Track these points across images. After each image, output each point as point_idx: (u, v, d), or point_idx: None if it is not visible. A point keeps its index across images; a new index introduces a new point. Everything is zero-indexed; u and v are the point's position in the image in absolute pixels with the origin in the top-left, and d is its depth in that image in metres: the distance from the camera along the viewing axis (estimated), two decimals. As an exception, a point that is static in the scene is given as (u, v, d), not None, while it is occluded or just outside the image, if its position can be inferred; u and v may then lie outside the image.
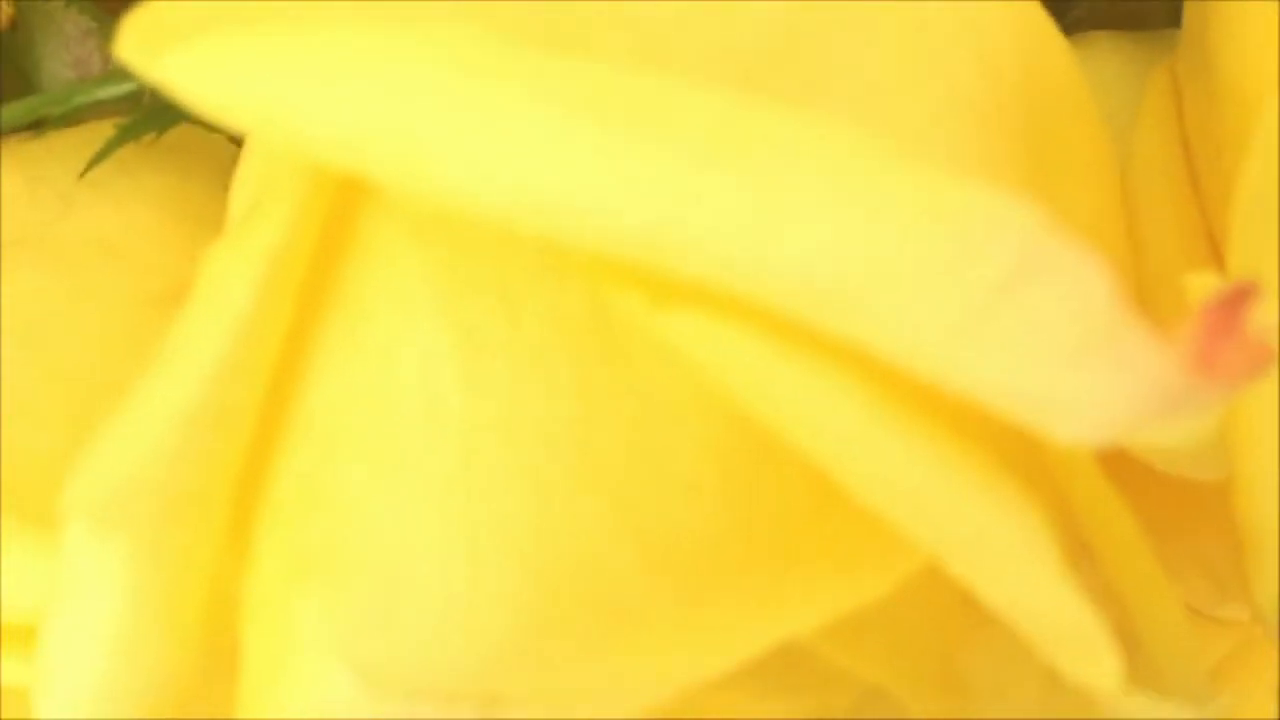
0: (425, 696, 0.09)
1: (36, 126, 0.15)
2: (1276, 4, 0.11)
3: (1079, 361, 0.07)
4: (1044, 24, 0.11)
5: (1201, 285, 0.08)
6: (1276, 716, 0.20)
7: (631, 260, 0.08)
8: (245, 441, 0.10)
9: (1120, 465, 0.11)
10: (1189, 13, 0.14)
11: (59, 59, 0.15)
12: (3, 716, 0.12)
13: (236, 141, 0.15)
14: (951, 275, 0.07)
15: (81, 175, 0.14)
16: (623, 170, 0.08)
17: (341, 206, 0.10)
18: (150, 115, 0.14)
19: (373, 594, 0.10)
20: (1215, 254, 0.13)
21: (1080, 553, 0.10)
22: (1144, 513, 0.12)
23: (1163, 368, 0.07)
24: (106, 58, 0.15)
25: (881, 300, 0.07)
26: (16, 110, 0.14)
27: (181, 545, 0.10)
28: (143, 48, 0.08)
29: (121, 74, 0.14)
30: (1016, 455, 0.09)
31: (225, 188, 0.13)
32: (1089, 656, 0.09)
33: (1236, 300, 0.07)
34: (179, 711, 0.11)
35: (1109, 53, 0.17)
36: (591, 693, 0.09)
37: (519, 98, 0.08)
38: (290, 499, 0.10)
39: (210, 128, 0.16)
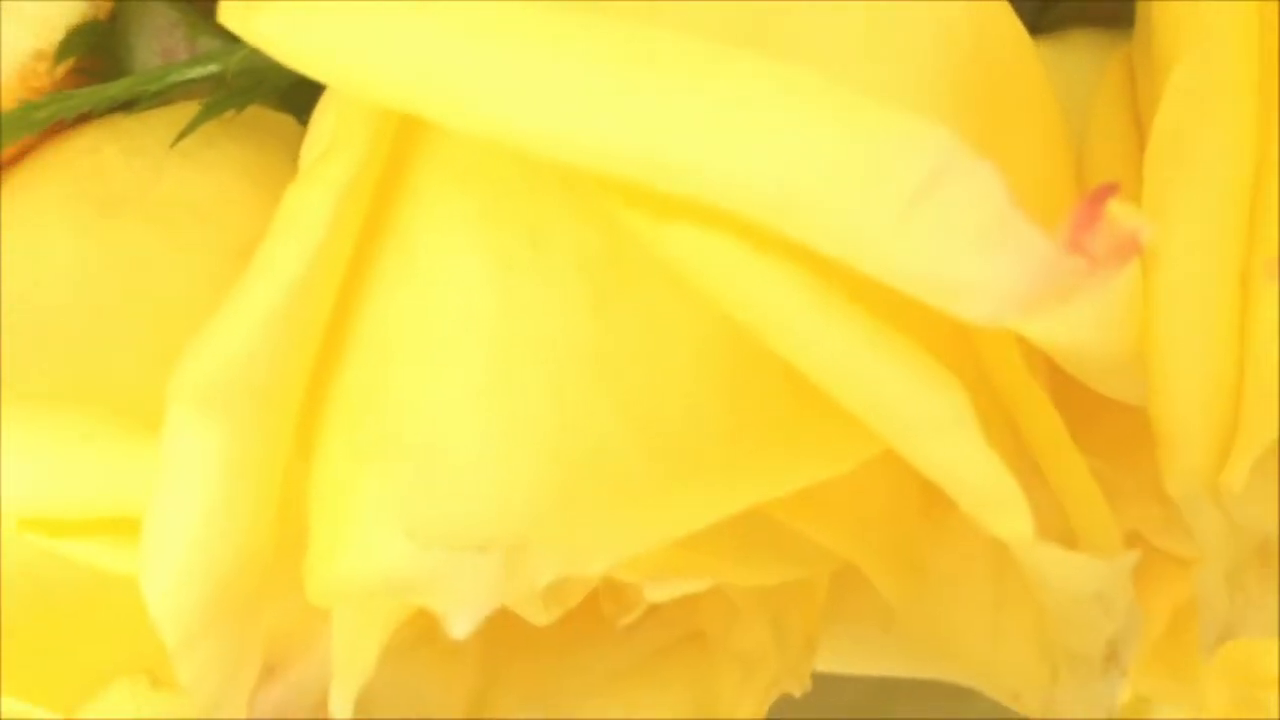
0: (463, 548, 0.11)
1: (130, 105, 0.17)
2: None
3: (981, 250, 0.09)
4: (1003, 14, 0.13)
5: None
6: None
7: (636, 183, 0.10)
8: (315, 348, 0.12)
9: (1074, 397, 0.13)
10: (1139, 7, 0.16)
11: (149, 48, 0.18)
12: (110, 603, 0.14)
13: (301, 120, 0.17)
14: (879, 182, 0.09)
15: (172, 145, 0.16)
16: (624, 105, 0.10)
17: (398, 153, 0.12)
18: (231, 95, 0.17)
19: (421, 472, 0.12)
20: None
21: (1007, 434, 0.11)
22: (1098, 441, 0.14)
23: (1046, 252, 0.09)
24: (191, 46, 0.17)
25: (824, 205, 0.09)
26: (117, 88, 0.16)
27: (263, 433, 0.12)
28: (241, 13, 0.11)
29: (206, 58, 0.17)
30: (949, 345, 0.11)
31: (292, 159, 0.15)
32: (1004, 511, 0.10)
33: (1100, 196, 0.09)
34: (257, 580, 0.13)
35: (1084, 47, 0.19)
36: (596, 545, 0.11)
37: (545, 48, 0.10)
38: (351, 397, 0.12)
39: (279, 107, 0.18)
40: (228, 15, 0.11)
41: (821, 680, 0.15)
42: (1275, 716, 0.24)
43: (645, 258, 0.12)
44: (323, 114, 0.13)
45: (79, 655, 0.14)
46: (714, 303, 0.11)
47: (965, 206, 0.09)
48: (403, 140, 0.12)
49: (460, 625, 0.10)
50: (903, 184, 0.09)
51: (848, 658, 0.15)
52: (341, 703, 0.12)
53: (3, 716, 0.14)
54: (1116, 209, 0.09)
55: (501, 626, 0.14)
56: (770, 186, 0.10)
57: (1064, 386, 0.13)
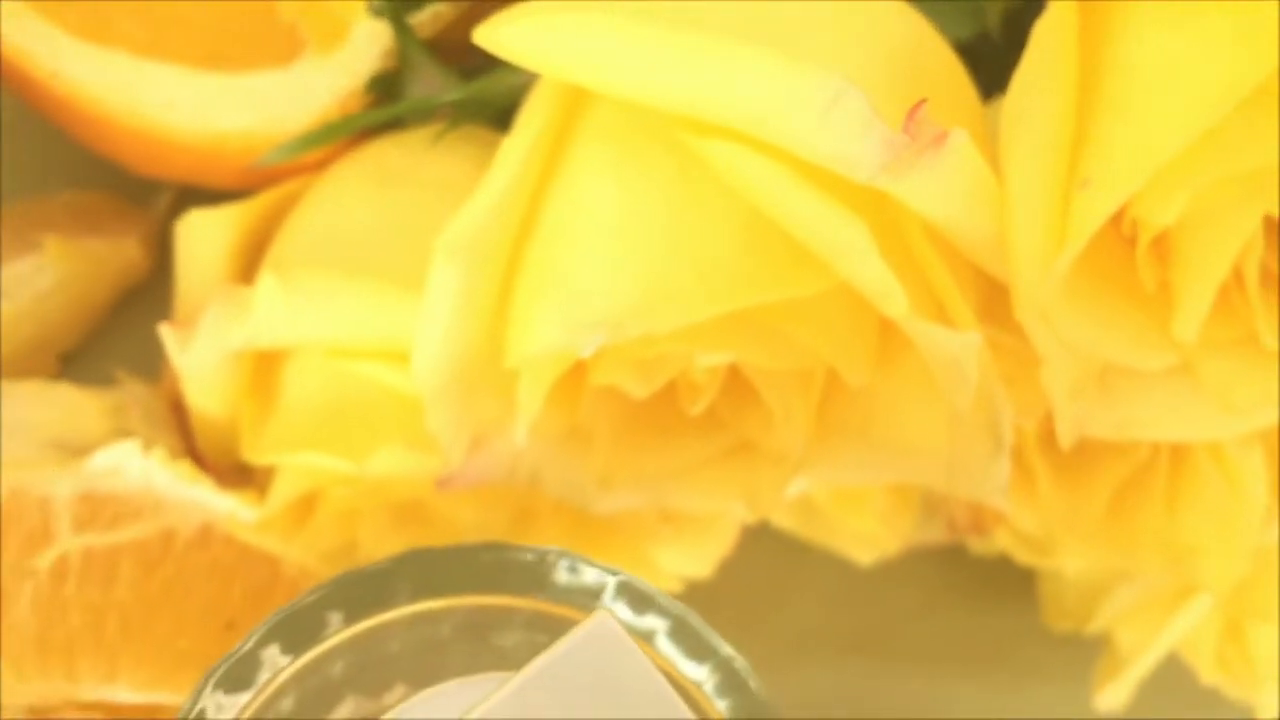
0: (603, 330, 0.19)
1: (400, 122, 0.27)
2: None
3: (859, 137, 0.17)
4: (921, 20, 0.21)
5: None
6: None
7: (692, 118, 0.19)
8: (516, 223, 0.21)
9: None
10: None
11: (415, 88, 0.27)
12: (382, 401, 0.23)
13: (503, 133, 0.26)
14: (809, 107, 0.17)
15: (433, 142, 0.25)
16: (688, 77, 0.18)
17: (570, 110, 0.21)
18: (464, 115, 0.26)
19: (569, 290, 0.20)
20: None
21: (906, 262, 0.19)
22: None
23: (891, 136, 0.17)
24: (439, 86, 0.27)
25: (785, 122, 0.18)
26: (398, 109, 0.26)
27: (484, 273, 0.21)
28: (488, 33, 0.20)
29: (449, 92, 0.26)
30: (878, 215, 0.19)
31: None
32: (890, 299, 0.18)
33: (917, 107, 0.17)
34: (475, 372, 0.21)
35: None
36: (667, 318, 0.19)
37: (650, 48, 0.19)
38: (535, 252, 0.21)
39: (490, 125, 0.27)
40: (480, 36, 0.20)
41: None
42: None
43: (698, 166, 0.20)
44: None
45: (365, 433, 0.23)
46: (737, 189, 0.19)
47: (851, 116, 0.17)
48: (573, 103, 0.21)
49: (588, 348, 0.19)
50: (820, 106, 0.17)
51: (841, 468, 0.23)
52: (521, 429, 0.21)
53: (321, 470, 0.23)
54: (926, 112, 0.17)
55: (621, 428, 0.23)
56: (761, 116, 0.18)
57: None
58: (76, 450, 0.25)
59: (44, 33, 0.26)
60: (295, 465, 0.24)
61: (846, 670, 0.32)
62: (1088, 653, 0.31)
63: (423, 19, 0.27)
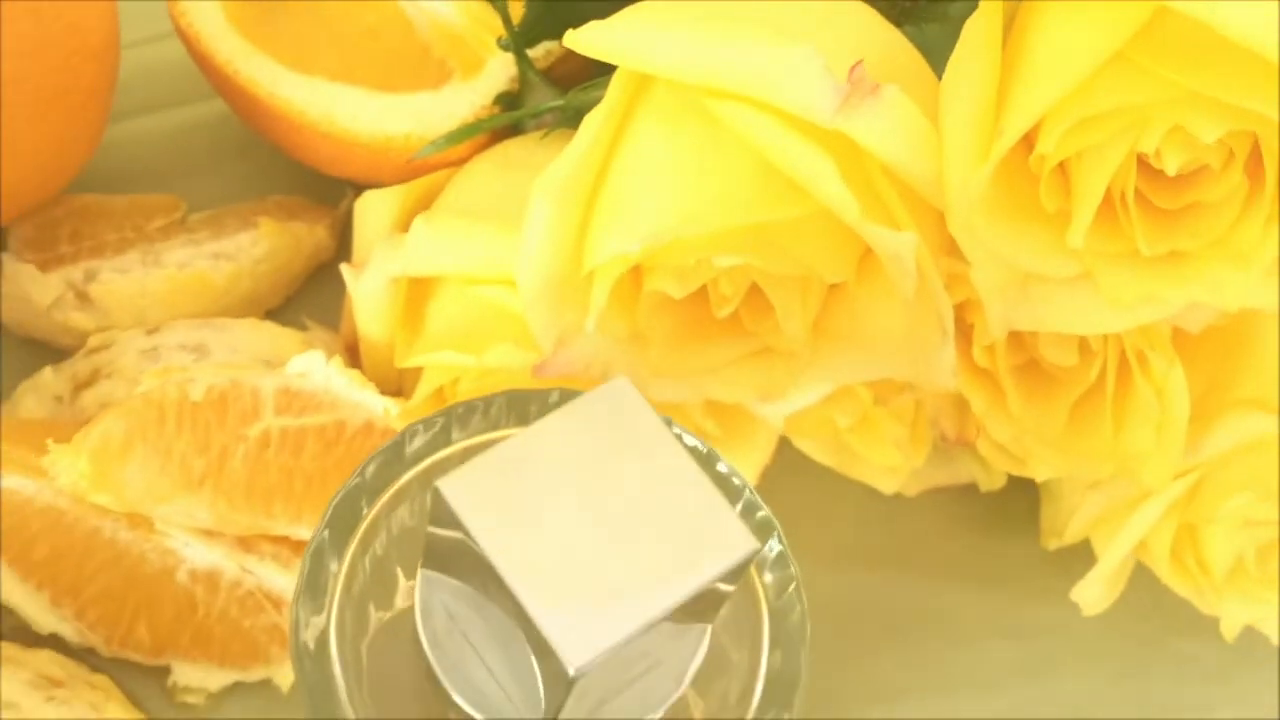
0: (649, 237, 0.26)
1: (518, 128, 0.34)
2: None
3: (819, 91, 0.24)
4: (887, 24, 0.28)
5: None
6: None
7: (718, 88, 0.26)
8: (593, 172, 0.28)
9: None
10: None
11: (532, 105, 0.35)
12: (503, 326, 0.30)
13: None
14: (793, 73, 0.24)
15: (541, 141, 0.33)
16: (716, 58, 0.26)
17: (636, 91, 0.28)
18: (566, 120, 0.33)
19: (634, 215, 0.27)
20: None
21: (868, 192, 0.26)
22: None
23: (840, 86, 0.24)
24: (544, 98, 0.35)
25: (780, 86, 0.25)
26: (517, 115, 0.34)
27: (568, 209, 0.28)
28: (574, 37, 0.27)
29: (555, 100, 0.34)
30: (849, 157, 0.25)
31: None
32: (845, 209, 0.25)
33: (856, 65, 0.24)
34: (561, 284, 0.28)
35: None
36: (700, 226, 0.26)
37: (693, 39, 0.26)
38: (608, 192, 0.28)
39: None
40: (569, 40, 0.27)
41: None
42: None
43: (718, 125, 0.27)
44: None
45: (484, 339, 0.30)
46: (745, 138, 0.26)
47: (814, 74, 0.24)
48: (637, 87, 0.28)
49: (638, 247, 0.26)
50: (794, 69, 0.24)
51: (836, 368, 0.29)
52: (592, 322, 0.27)
53: (452, 365, 0.30)
54: (863, 69, 0.24)
55: (669, 333, 0.29)
56: (759, 82, 0.25)
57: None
58: (277, 366, 0.33)
59: (266, 65, 0.35)
60: (433, 364, 0.31)
61: (874, 582, 0.37)
62: (1078, 576, 0.36)
63: (537, 54, 0.35)
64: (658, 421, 0.21)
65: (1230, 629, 0.35)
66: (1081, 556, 0.35)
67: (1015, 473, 0.34)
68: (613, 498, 0.20)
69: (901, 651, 0.36)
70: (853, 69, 0.24)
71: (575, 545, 0.20)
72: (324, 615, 0.24)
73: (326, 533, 0.24)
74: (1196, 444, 0.32)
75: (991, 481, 0.37)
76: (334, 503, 0.24)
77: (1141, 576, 0.36)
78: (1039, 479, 0.33)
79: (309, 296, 0.38)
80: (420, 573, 0.23)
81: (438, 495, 0.20)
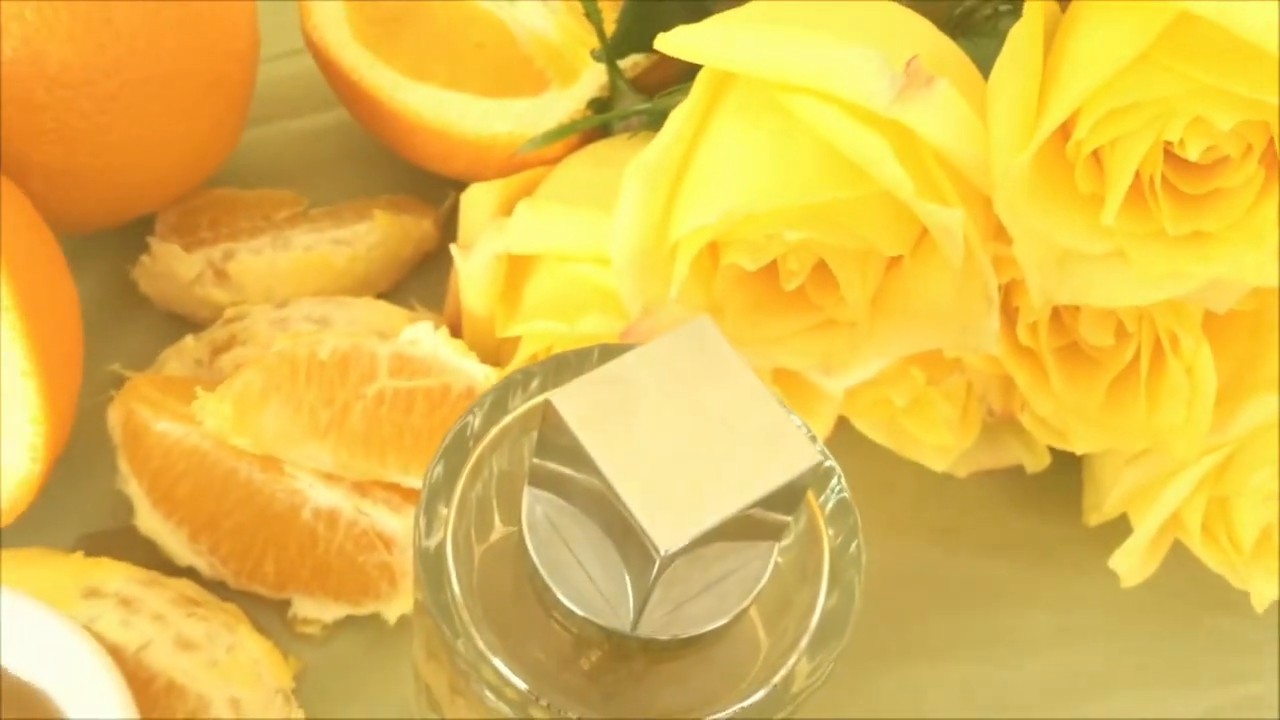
0: (725, 212, 0.29)
1: (607, 129, 0.38)
2: None
3: (880, 80, 0.27)
4: (935, 29, 0.31)
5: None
6: None
7: (788, 83, 0.29)
8: (677, 162, 0.31)
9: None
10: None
11: (619, 104, 0.38)
12: (594, 299, 0.34)
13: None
14: (851, 66, 0.28)
15: (628, 141, 0.37)
16: (786, 56, 0.29)
17: (719, 87, 0.31)
18: (651, 121, 0.37)
19: (713, 196, 0.30)
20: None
21: (922, 174, 0.29)
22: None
23: (896, 78, 0.27)
24: (633, 103, 0.38)
25: (845, 79, 0.28)
26: (606, 118, 0.37)
27: (657, 189, 0.31)
28: (666, 40, 0.31)
29: (640, 104, 0.37)
30: (905, 144, 0.28)
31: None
32: (900, 188, 0.28)
33: (912, 59, 0.27)
34: (648, 256, 0.32)
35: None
36: (771, 204, 0.29)
37: (767, 41, 0.29)
38: (691, 176, 0.31)
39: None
40: (660, 42, 0.31)
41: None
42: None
43: (789, 116, 0.30)
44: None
45: (577, 310, 0.34)
46: (813, 127, 0.30)
47: (874, 67, 0.27)
48: (720, 83, 0.32)
49: (715, 219, 0.29)
50: (857, 65, 0.28)
51: (892, 339, 0.32)
52: (674, 290, 0.31)
53: (547, 332, 0.34)
54: (918, 62, 0.27)
55: (742, 304, 0.33)
56: (826, 77, 0.28)
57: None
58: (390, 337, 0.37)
59: (387, 73, 0.39)
60: (530, 333, 0.34)
61: (926, 553, 0.40)
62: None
63: (626, 65, 0.39)
64: (735, 354, 0.24)
65: (1260, 600, 0.37)
66: (1121, 536, 0.38)
67: (1056, 445, 0.37)
68: (697, 414, 0.23)
69: (949, 616, 0.39)
70: (909, 62, 0.27)
71: (665, 450, 0.23)
72: (442, 529, 0.27)
73: (441, 464, 0.27)
74: (1225, 423, 0.34)
75: (1037, 462, 0.40)
76: (448, 438, 0.28)
77: (1177, 558, 0.38)
78: (1078, 451, 0.36)
79: (415, 283, 0.42)
80: (527, 491, 0.26)
81: (549, 406, 0.23)
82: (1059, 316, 0.34)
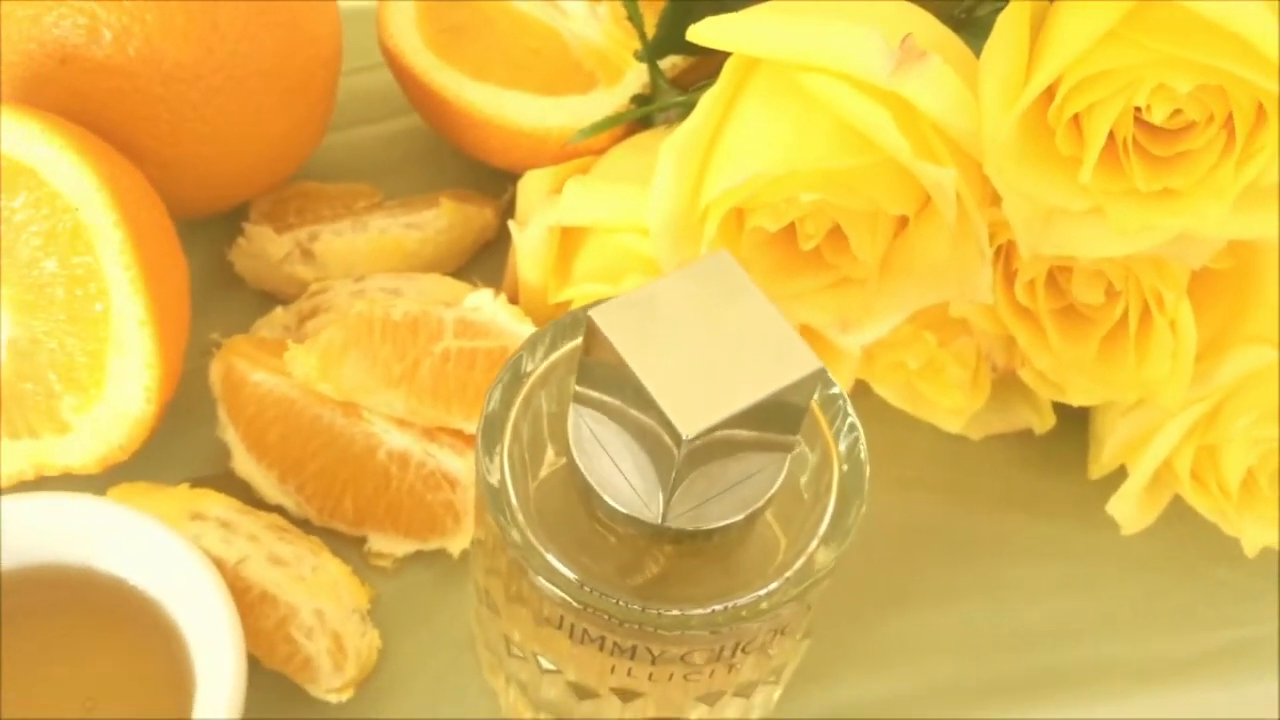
0: (748, 176, 0.33)
1: (648, 121, 0.42)
2: None
3: (877, 56, 0.31)
4: (937, 21, 0.35)
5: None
6: None
7: (805, 63, 0.33)
8: (707, 139, 0.35)
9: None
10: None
11: (661, 99, 0.42)
12: (635, 265, 0.38)
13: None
14: (857, 46, 0.32)
15: (668, 131, 0.41)
16: (803, 40, 0.33)
17: (745, 72, 0.35)
18: (688, 113, 0.41)
19: (739, 164, 0.34)
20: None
21: (920, 140, 0.32)
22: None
23: (893, 53, 0.31)
24: (669, 95, 0.42)
25: (853, 58, 0.32)
26: (647, 109, 0.41)
27: (688, 165, 0.35)
28: (698, 30, 0.35)
29: (678, 99, 0.41)
30: (908, 118, 0.32)
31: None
32: (900, 152, 0.32)
33: (908, 37, 0.30)
34: (682, 222, 0.35)
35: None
36: (791, 169, 0.33)
37: (788, 28, 0.33)
38: (719, 152, 0.35)
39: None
40: (692, 34, 0.35)
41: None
42: None
43: (806, 94, 0.34)
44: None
45: (619, 272, 0.37)
46: (826, 103, 0.33)
47: (875, 46, 0.31)
48: (746, 69, 0.36)
49: (740, 181, 0.33)
50: (861, 44, 0.31)
51: (901, 297, 0.36)
52: (704, 251, 0.34)
53: (594, 294, 0.38)
54: (912, 40, 0.31)
55: (765, 264, 0.36)
56: (837, 56, 0.32)
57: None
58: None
59: (453, 75, 0.43)
60: (579, 296, 0.38)
61: (940, 508, 0.43)
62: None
63: (665, 65, 0.43)
64: (750, 280, 0.28)
65: (1251, 546, 0.39)
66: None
67: (1055, 399, 0.40)
68: (716, 328, 0.27)
69: (960, 565, 0.42)
70: (904, 39, 0.31)
71: (688, 356, 0.26)
72: (498, 460, 0.31)
73: (498, 392, 0.31)
74: (1210, 374, 0.37)
75: (1043, 423, 0.43)
76: (504, 372, 0.32)
77: (1179, 513, 0.41)
78: (1075, 404, 0.39)
79: (477, 266, 0.46)
80: (572, 409, 0.29)
81: (590, 320, 0.27)
82: (1054, 279, 0.37)
